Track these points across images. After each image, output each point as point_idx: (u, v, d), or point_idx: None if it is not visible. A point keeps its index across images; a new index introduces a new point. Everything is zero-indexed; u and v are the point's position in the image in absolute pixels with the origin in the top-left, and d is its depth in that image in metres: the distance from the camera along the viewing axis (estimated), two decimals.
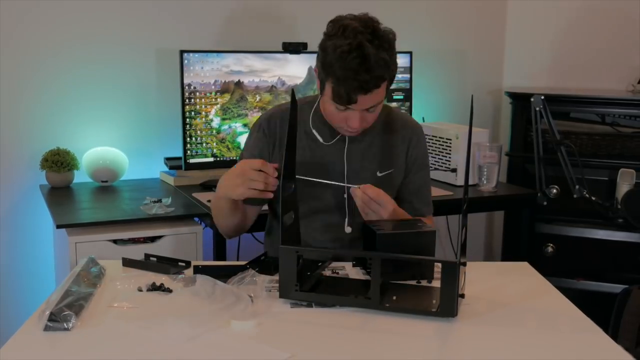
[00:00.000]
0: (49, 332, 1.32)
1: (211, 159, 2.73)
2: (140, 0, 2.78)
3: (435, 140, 2.90)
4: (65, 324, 1.33)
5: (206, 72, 2.66)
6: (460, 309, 1.42)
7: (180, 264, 1.69)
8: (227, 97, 2.72)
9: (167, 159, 2.77)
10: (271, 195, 1.66)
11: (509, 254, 3.23)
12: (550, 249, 3.06)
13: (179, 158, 2.71)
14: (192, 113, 2.66)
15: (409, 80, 3.06)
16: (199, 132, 2.68)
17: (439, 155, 2.88)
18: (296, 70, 2.80)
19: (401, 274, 1.59)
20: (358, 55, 1.61)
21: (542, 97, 2.79)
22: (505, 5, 3.52)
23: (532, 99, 2.81)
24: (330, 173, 1.85)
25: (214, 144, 2.72)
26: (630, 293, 2.67)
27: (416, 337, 1.35)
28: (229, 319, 1.37)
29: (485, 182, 2.74)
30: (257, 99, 2.77)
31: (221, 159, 2.75)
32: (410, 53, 3.05)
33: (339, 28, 1.65)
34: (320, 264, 1.62)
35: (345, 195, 1.86)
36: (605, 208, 2.82)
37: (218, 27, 2.92)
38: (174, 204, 2.38)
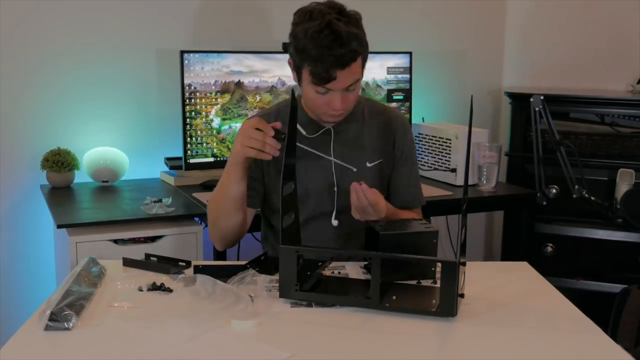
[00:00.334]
0: (49, 332, 1.33)
1: (211, 159, 2.73)
2: (141, 1, 2.79)
3: (435, 140, 2.91)
4: (65, 324, 1.33)
5: (206, 72, 2.67)
6: (459, 309, 1.42)
7: (180, 263, 1.69)
8: (227, 97, 2.72)
9: (168, 159, 2.78)
10: (269, 157, 1.66)
11: (509, 254, 3.24)
12: (549, 249, 3.06)
13: (180, 158, 2.71)
14: (193, 113, 2.67)
15: (409, 80, 3.06)
16: (199, 132, 2.69)
17: (438, 155, 2.89)
18: None
19: (402, 274, 1.60)
20: (330, 32, 1.64)
21: (542, 97, 2.80)
22: (505, 6, 3.52)
23: (531, 99, 2.82)
24: (318, 167, 1.86)
25: (214, 144, 2.73)
26: (630, 293, 2.67)
27: (416, 337, 1.35)
28: (229, 318, 1.38)
29: (484, 182, 2.74)
30: (257, 99, 2.77)
31: (221, 159, 2.75)
32: (410, 53, 3.06)
33: (305, 14, 1.70)
34: (320, 263, 1.62)
35: (335, 188, 1.87)
36: (604, 208, 2.82)
37: (218, 28, 2.92)
38: (174, 203, 2.38)
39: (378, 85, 2.99)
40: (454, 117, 3.31)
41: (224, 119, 2.73)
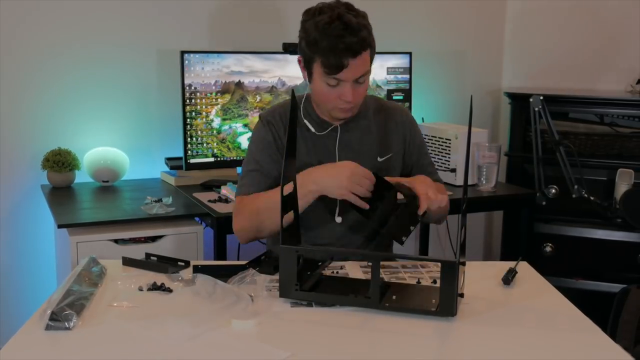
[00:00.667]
0: (50, 332, 1.33)
1: (212, 159, 2.73)
2: (141, 1, 2.79)
3: (435, 140, 2.91)
4: (66, 324, 1.34)
5: (207, 72, 2.67)
6: (459, 309, 1.42)
7: (179, 263, 1.69)
8: (227, 97, 2.73)
9: (168, 159, 2.78)
10: (367, 206, 1.70)
11: (508, 254, 3.24)
12: (549, 249, 3.07)
13: (180, 158, 2.72)
14: (193, 113, 2.67)
15: (409, 80, 3.07)
16: (199, 132, 2.69)
17: (438, 155, 2.89)
18: (296, 70, 2.76)
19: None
20: (340, 22, 1.68)
21: (541, 98, 2.80)
22: (505, 6, 3.52)
23: (531, 99, 2.82)
24: (322, 163, 1.86)
25: (215, 144, 2.73)
26: (629, 292, 2.67)
27: (416, 337, 1.35)
28: (230, 318, 1.38)
29: (484, 182, 2.74)
30: (258, 100, 2.78)
31: (222, 159, 2.75)
32: (410, 54, 3.06)
33: (315, 11, 1.74)
34: (320, 263, 1.62)
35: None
36: (603, 208, 2.82)
37: (219, 28, 2.93)
38: (174, 203, 2.39)
39: (378, 86, 2.99)
40: (454, 117, 3.32)
41: (224, 119, 2.73)
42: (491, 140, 3.13)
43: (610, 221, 2.87)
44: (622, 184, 2.82)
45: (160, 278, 1.60)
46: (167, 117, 2.86)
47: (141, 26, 2.81)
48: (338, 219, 1.88)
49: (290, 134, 1.53)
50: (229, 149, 2.76)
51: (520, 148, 3.16)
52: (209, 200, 2.42)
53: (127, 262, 1.71)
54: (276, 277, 1.54)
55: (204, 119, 2.69)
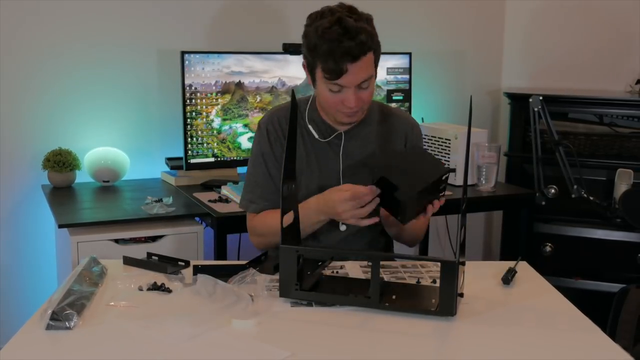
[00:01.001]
0: (51, 331, 1.33)
1: (212, 159, 2.74)
2: (142, 2, 2.80)
3: (435, 140, 2.91)
4: (67, 323, 1.34)
5: (207, 72, 2.67)
6: (459, 308, 1.43)
7: (180, 263, 1.70)
8: (227, 97, 2.73)
9: (168, 159, 2.79)
10: (376, 220, 1.69)
11: (508, 254, 3.24)
12: (548, 249, 3.07)
13: (180, 158, 2.72)
14: (193, 113, 2.67)
15: (408, 80, 3.07)
16: (199, 132, 2.70)
17: (438, 155, 2.89)
18: (296, 71, 2.81)
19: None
20: (339, 27, 1.67)
21: (541, 98, 2.80)
22: (504, 6, 3.53)
23: (530, 100, 2.82)
24: (326, 171, 1.87)
25: (215, 144, 2.74)
26: (628, 292, 2.68)
27: (415, 336, 1.36)
28: (230, 318, 1.38)
29: (484, 182, 2.75)
30: (258, 100, 2.78)
31: (222, 159, 2.76)
32: (410, 54, 3.07)
33: (316, 15, 1.74)
34: (320, 263, 1.63)
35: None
36: (603, 208, 2.83)
37: (219, 28, 2.93)
38: (175, 203, 2.39)
39: (378, 86, 3.00)
40: (454, 118, 3.32)
41: (224, 119, 2.74)
42: (491, 140, 3.14)
43: (610, 221, 2.88)
44: (622, 184, 2.82)
45: (160, 278, 1.61)
46: (167, 117, 2.86)
47: (142, 26, 2.82)
48: (342, 227, 1.88)
49: (290, 136, 1.53)
50: (229, 149, 2.76)
51: (520, 148, 3.17)
52: (209, 200, 2.42)
53: (128, 261, 1.71)
54: (276, 277, 1.54)
55: (205, 119, 2.70)
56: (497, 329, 1.40)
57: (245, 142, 2.78)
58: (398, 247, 2.07)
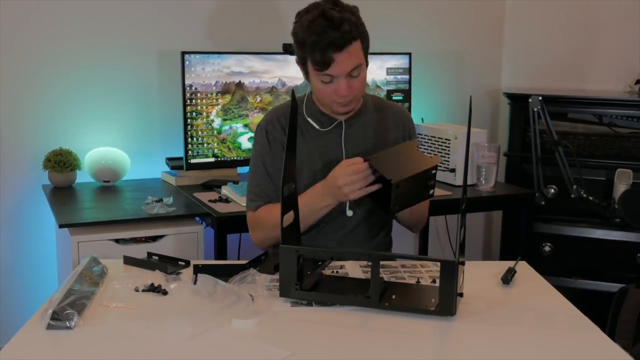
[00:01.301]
0: (51, 331, 1.34)
1: (212, 159, 2.74)
2: (142, 2, 2.80)
3: (434, 140, 2.92)
4: (67, 323, 1.34)
5: (207, 73, 2.68)
6: (459, 308, 1.43)
7: (180, 263, 1.70)
8: (227, 97, 2.73)
9: (169, 159, 2.79)
10: (378, 187, 1.70)
11: (507, 254, 3.25)
12: (548, 249, 3.07)
13: (180, 158, 2.73)
14: (194, 114, 2.68)
15: (408, 81, 3.07)
16: (200, 132, 2.70)
17: (437, 155, 2.89)
18: (296, 71, 2.77)
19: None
20: (323, 19, 1.71)
21: (540, 98, 2.81)
22: (504, 6, 3.53)
23: (530, 100, 2.83)
24: (329, 160, 1.87)
25: (215, 144, 2.74)
26: (627, 292, 2.68)
27: (415, 336, 1.36)
28: (230, 317, 1.39)
29: (483, 182, 2.75)
30: (258, 100, 2.79)
31: (222, 159, 2.76)
32: (410, 54, 3.07)
33: (303, 11, 1.79)
34: (320, 263, 1.63)
35: None
36: (602, 208, 2.83)
37: (219, 29, 2.93)
38: (175, 203, 2.40)
39: (378, 86, 3.00)
40: (453, 118, 3.32)
41: (224, 120, 2.74)
42: (490, 140, 3.14)
43: (609, 221, 2.88)
44: (621, 184, 2.83)
45: (157, 279, 1.60)
46: (167, 117, 2.87)
47: (142, 27, 2.82)
48: (349, 213, 1.90)
49: (290, 136, 1.53)
50: (229, 149, 2.77)
51: (519, 148, 3.17)
52: (210, 200, 2.43)
53: (128, 261, 1.72)
54: (276, 276, 1.55)
55: (205, 119, 2.70)
56: (496, 328, 1.40)
57: (245, 142, 2.78)
58: (398, 248, 2.07)
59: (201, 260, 2.09)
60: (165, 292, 1.54)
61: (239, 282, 1.56)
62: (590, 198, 2.81)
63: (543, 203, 2.87)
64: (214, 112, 2.71)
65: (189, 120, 2.67)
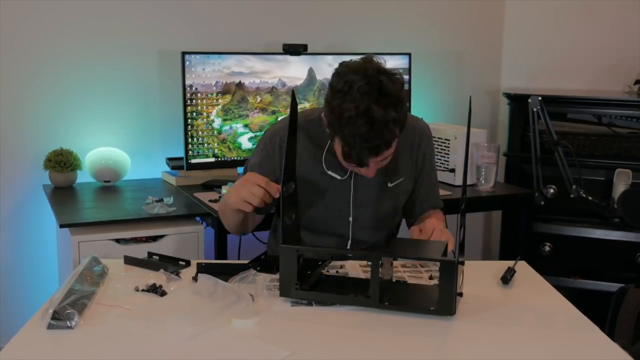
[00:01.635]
0: (52, 331, 1.34)
1: (212, 159, 2.75)
2: (143, 2, 2.80)
3: (434, 140, 2.91)
4: (68, 322, 1.35)
5: (207, 73, 2.68)
6: (458, 308, 1.44)
7: (180, 263, 1.70)
8: (228, 98, 2.74)
9: (169, 159, 2.79)
10: (258, 220, 1.75)
11: (507, 253, 3.25)
12: (547, 248, 3.08)
13: (181, 158, 2.73)
14: (194, 114, 2.68)
15: (408, 81, 3.07)
16: (200, 132, 2.70)
17: (437, 155, 2.90)
18: (296, 71, 2.82)
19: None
20: (366, 120, 1.53)
21: (540, 98, 2.81)
22: (503, 7, 3.53)
23: (529, 100, 2.83)
24: (336, 191, 1.85)
25: (215, 144, 2.74)
26: (627, 292, 2.68)
27: (415, 336, 1.36)
28: (230, 317, 1.39)
29: (483, 182, 2.75)
30: (258, 100, 2.79)
31: (222, 159, 2.77)
32: (409, 54, 3.07)
33: (344, 84, 1.57)
34: (320, 263, 1.63)
35: (350, 218, 1.87)
36: (602, 208, 2.84)
37: (219, 29, 2.94)
38: (175, 203, 2.40)
39: None
40: (453, 118, 3.33)
41: (224, 120, 2.74)
42: (490, 140, 3.14)
43: (608, 221, 2.89)
44: (620, 184, 2.83)
45: (158, 279, 1.60)
46: (168, 117, 2.87)
47: (142, 27, 2.82)
48: (350, 218, 1.89)
49: (290, 134, 1.54)
50: (229, 149, 2.77)
51: (519, 148, 3.17)
52: (210, 200, 2.43)
53: (129, 261, 1.72)
54: (276, 276, 1.55)
55: (205, 120, 2.70)
56: (496, 328, 1.40)
57: (245, 142, 2.79)
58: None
59: (204, 260, 2.09)
60: (165, 292, 1.54)
61: (239, 282, 1.56)
62: (590, 198, 2.81)
63: (542, 203, 2.88)
64: (214, 112, 2.72)
65: (189, 120, 2.67)
